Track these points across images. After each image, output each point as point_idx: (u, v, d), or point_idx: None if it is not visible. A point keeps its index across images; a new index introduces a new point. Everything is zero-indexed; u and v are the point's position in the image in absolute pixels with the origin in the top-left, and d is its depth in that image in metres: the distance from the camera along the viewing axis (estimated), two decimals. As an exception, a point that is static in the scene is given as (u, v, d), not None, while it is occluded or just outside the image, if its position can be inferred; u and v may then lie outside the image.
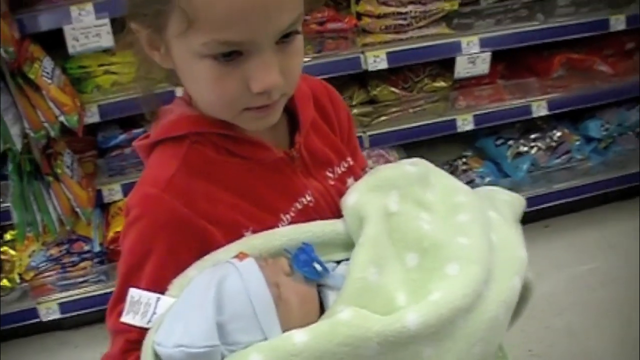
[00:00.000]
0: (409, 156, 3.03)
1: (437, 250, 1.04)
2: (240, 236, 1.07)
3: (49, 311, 2.90)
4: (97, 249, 2.84)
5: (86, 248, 2.85)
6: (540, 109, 3.04)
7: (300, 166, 1.15)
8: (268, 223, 1.09)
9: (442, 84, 2.94)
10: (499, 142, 3.17)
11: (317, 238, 1.07)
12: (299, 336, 0.89)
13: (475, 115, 2.97)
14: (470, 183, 3.04)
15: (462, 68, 2.82)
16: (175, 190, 1.03)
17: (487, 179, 3.08)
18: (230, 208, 1.07)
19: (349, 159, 1.25)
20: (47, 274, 2.87)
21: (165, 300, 0.98)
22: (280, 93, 0.99)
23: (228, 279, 0.93)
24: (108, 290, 2.86)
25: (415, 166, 1.19)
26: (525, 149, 3.14)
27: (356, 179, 1.22)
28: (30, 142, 2.54)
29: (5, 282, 2.90)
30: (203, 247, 1.04)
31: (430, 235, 1.06)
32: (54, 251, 2.86)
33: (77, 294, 2.88)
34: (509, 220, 1.21)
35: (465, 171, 3.09)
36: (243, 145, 1.09)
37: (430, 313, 0.93)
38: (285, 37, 0.95)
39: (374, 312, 0.94)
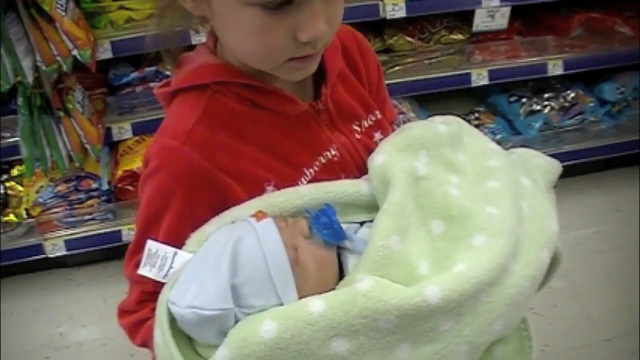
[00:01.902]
0: (421, 108, 3.05)
1: (464, 219, 1.01)
2: (262, 190, 1.05)
3: (54, 247, 2.91)
4: (105, 187, 2.84)
5: (94, 186, 2.84)
6: (556, 68, 3.00)
7: (325, 119, 1.12)
8: (291, 177, 1.08)
9: (459, 36, 2.90)
10: (512, 99, 3.14)
11: (339, 198, 1.04)
12: (316, 305, 0.87)
13: (490, 71, 2.93)
14: (482, 139, 3.02)
15: (481, 21, 2.78)
16: (195, 142, 1.01)
17: (499, 136, 3.05)
18: (252, 161, 1.05)
19: (376, 112, 1.22)
20: (54, 210, 2.86)
21: (182, 255, 0.97)
22: (324, 42, 0.96)
23: (245, 239, 0.91)
24: (114, 229, 2.89)
25: (448, 125, 1.15)
26: (538, 107, 3.11)
27: (384, 133, 1.19)
28: (41, 75, 2.50)
29: (11, 217, 2.90)
30: (223, 201, 1.02)
31: (458, 202, 1.02)
32: (62, 187, 2.84)
33: (83, 232, 2.88)
34: (541, 187, 1.17)
35: (477, 126, 3.01)
36: (268, 97, 1.06)
37: (453, 287, 0.90)
38: None
39: (394, 281, 0.91)
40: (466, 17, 2.84)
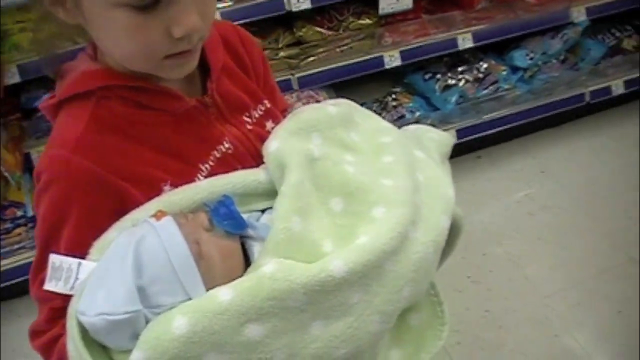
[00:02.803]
0: (338, 96, 3.07)
1: (362, 193, 1.03)
2: (159, 191, 1.04)
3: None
4: (30, 213, 2.76)
5: (19, 213, 2.77)
6: (465, 42, 3.07)
7: (215, 113, 1.13)
8: (187, 174, 1.07)
9: (367, 21, 2.93)
10: (427, 76, 3.19)
11: (238, 189, 1.05)
12: (224, 293, 0.88)
13: (402, 51, 2.97)
14: (401, 118, 3.07)
15: (386, 4, 2.82)
16: (84, 150, 0.99)
17: (417, 114, 3.10)
18: (145, 163, 1.04)
19: (265, 101, 1.23)
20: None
21: (87, 264, 0.96)
22: (199, 37, 0.97)
23: (146, 240, 0.90)
24: (46, 254, 2.82)
25: (338, 106, 1.17)
26: (453, 81, 3.17)
27: (275, 122, 1.20)
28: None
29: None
30: (121, 206, 1.01)
31: (355, 178, 1.05)
32: (-17, 216, 2.78)
33: (16, 261, 2.80)
34: (436, 158, 1.21)
35: (395, 107, 3.11)
36: (153, 97, 1.05)
37: (357, 259, 0.92)
38: None
39: (300, 261, 0.93)
40: (372, 2, 2.88)
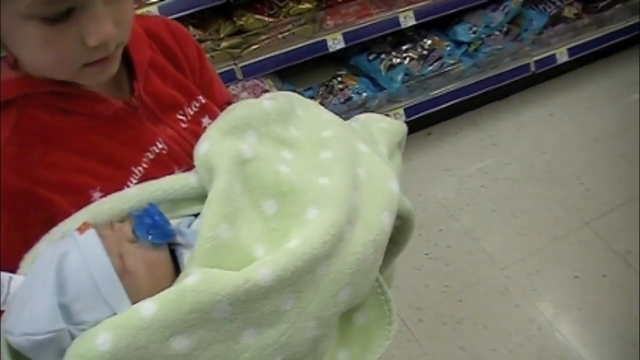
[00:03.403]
0: (284, 82, 3.05)
1: (296, 194, 1.00)
2: (88, 198, 1.01)
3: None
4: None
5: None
6: (408, 20, 3.05)
7: (145, 113, 1.09)
8: (119, 178, 1.05)
9: (307, 5, 2.90)
10: (372, 57, 3.18)
11: (168, 195, 1.02)
12: (147, 308, 0.85)
13: (344, 34, 2.95)
14: (348, 100, 3.05)
15: (325, -13, 2.80)
16: (7, 162, 0.96)
17: (364, 94, 3.08)
18: (72, 170, 1.01)
19: (199, 97, 1.20)
20: None
21: (17, 279, 0.93)
22: (116, 43, 0.94)
23: (68, 255, 0.88)
24: None
25: (275, 100, 1.13)
26: (398, 60, 3.16)
27: (212, 118, 1.17)
28: None
29: None
30: (50, 217, 0.99)
31: (288, 179, 1.01)
32: None
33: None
34: (382, 151, 1.18)
35: (341, 90, 3.09)
36: (77, 101, 1.02)
37: (285, 265, 0.89)
38: None
39: (230, 269, 0.90)
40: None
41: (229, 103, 1.29)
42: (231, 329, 0.89)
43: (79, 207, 0.99)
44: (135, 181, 1.06)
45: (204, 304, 0.86)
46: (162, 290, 0.89)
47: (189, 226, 1.00)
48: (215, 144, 1.02)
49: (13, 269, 0.95)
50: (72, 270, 0.86)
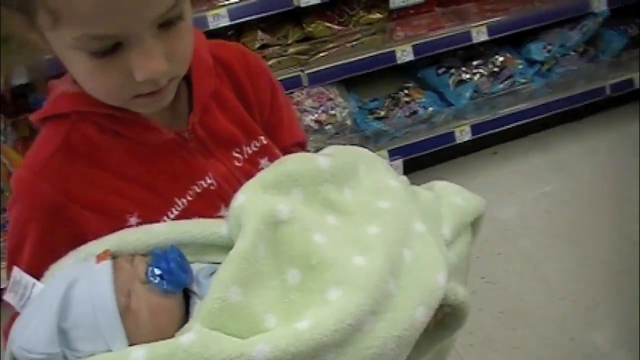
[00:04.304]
0: (349, 92, 3.02)
1: (323, 269, 0.91)
2: (123, 222, 1.01)
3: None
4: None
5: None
6: (480, 35, 2.99)
7: (197, 147, 1.07)
8: (159, 207, 1.03)
9: (378, 15, 2.87)
10: (441, 70, 3.12)
11: (196, 239, 0.98)
12: (137, 355, 0.83)
13: (414, 46, 2.90)
14: (414, 114, 3.01)
15: (397, -3, 2.77)
16: (49, 175, 0.98)
17: (430, 109, 3.03)
18: (112, 192, 1.01)
19: (261, 137, 1.15)
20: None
21: (39, 286, 0.95)
22: (168, 78, 0.91)
23: (78, 282, 0.88)
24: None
25: (334, 158, 1.05)
26: (468, 76, 3.09)
27: (271, 160, 1.12)
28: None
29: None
30: (81, 233, 0.99)
31: (320, 250, 0.93)
32: (-5, 219, 2.78)
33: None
34: (447, 230, 1.06)
35: (407, 103, 3.04)
36: (128, 126, 1.01)
37: (286, 347, 0.83)
38: (168, 23, 0.87)
39: (234, 333, 0.86)
40: (383, -5, 2.82)
41: (300, 144, 1.26)
42: None
43: (112, 230, 0.98)
44: (176, 212, 1.04)
45: None
46: (164, 336, 0.87)
47: (211, 274, 0.96)
48: (252, 198, 0.97)
49: (37, 276, 0.96)
50: (78, 299, 0.87)
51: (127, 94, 0.91)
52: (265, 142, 1.15)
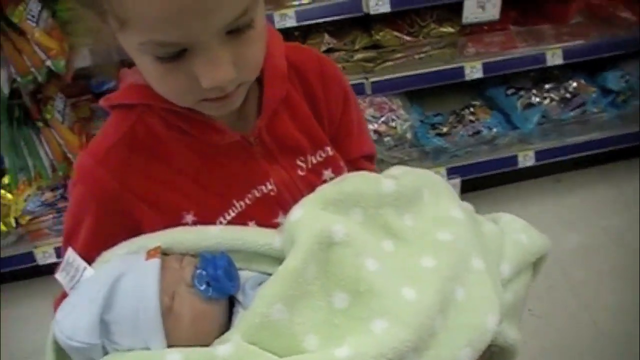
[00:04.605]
0: (412, 105, 2.95)
1: (371, 298, 0.89)
2: (179, 219, 1.01)
3: (45, 255, 2.90)
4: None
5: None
6: (555, 58, 2.87)
7: (261, 151, 1.06)
8: (216, 207, 1.03)
9: (449, 29, 2.80)
10: (510, 91, 3.02)
11: (248, 247, 0.98)
12: (172, 358, 0.85)
13: (484, 63, 2.82)
14: (477, 134, 2.93)
15: (470, 13, 2.68)
16: (109, 163, 1.00)
17: (495, 130, 2.94)
18: (170, 188, 1.01)
19: (327, 148, 1.12)
20: (42, 218, 2.85)
21: (89, 271, 0.97)
22: (235, 84, 0.89)
23: (125, 277, 0.90)
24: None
25: (398, 181, 1.02)
26: (537, 99, 2.98)
27: (335, 172, 1.12)
28: (19, 87, 2.49)
29: (1, 226, 2.89)
30: (135, 224, 1.01)
31: (369, 278, 0.90)
32: (49, 196, 2.84)
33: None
34: (507, 268, 1.02)
35: (472, 121, 2.96)
36: (193, 125, 1.00)
37: None
38: (237, 30, 0.84)
39: (272, 350, 0.85)
40: (457, 9, 2.73)
41: (369, 157, 1.23)
42: None
43: (166, 225, 1.00)
44: (233, 214, 1.03)
45: None
46: (203, 341, 0.88)
47: (259, 284, 0.94)
48: (309, 214, 0.95)
49: (89, 260, 0.99)
50: (123, 293, 0.88)
51: (194, 97, 0.90)
52: (331, 153, 1.13)
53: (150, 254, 0.92)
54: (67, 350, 0.91)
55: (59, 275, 0.99)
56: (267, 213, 1.04)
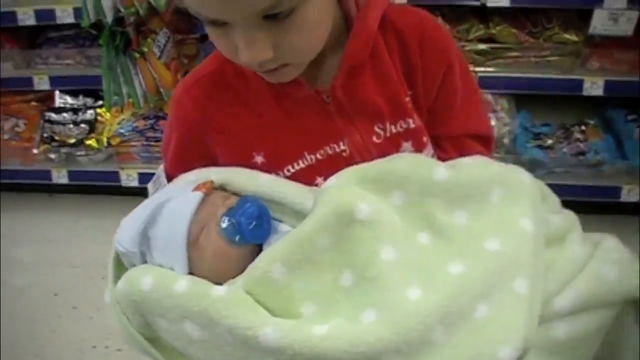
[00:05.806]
0: (518, 110, 2.74)
1: (374, 286, 0.86)
2: (249, 158, 1.05)
3: (129, 178, 3.02)
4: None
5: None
6: (693, 89, 2.56)
7: (337, 110, 1.04)
8: (286, 155, 1.05)
9: (573, 37, 2.56)
10: (631, 117, 2.72)
11: (287, 202, 0.98)
12: (180, 285, 0.90)
13: (607, 81, 2.55)
14: (580, 155, 2.67)
15: (600, 23, 2.42)
16: (195, 93, 1.07)
17: (601, 154, 2.66)
18: (246, 127, 1.05)
19: (410, 120, 1.06)
20: (132, 142, 2.96)
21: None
22: (275, 65, 0.90)
23: (171, 201, 0.98)
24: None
25: (458, 172, 0.94)
26: (661, 133, 2.67)
27: (415, 147, 1.06)
28: (124, 16, 2.58)
29: (93, 142, 3.03)
30: (210, 155, 1.09)
31: (380, 267, 0.86)
32: (140, 124, 2.92)
33: (156, 169, 2.92)
34: (575, 299, 0.89)
35: (579, 140, 2.70)
36: None
37: (291, 343, 0.82)
38: (273, 16, 0.83)
39: (269, 307, 0.88)
40: (586, 17, 2.49)
41: (482, 138, 1.15)
42: (234, 355, 0.89)
43: (238, 162, 1.05)
44: (302, 165, 1.05)
45: (207, 320, 0.87)
46: (221, 279, 0.93)
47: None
48: (339, 185, 0.94)
49: (171, 178, 1.12)
50: (164, 216, 0.97)
51: (241, 63, 0.92)
52: (413, 125, 1.07)
53: (199, 186, 0.99)
54: (119, 253, 1.02)
55: (150, 186, 1.17)
56: (336, 172, 0.99)
